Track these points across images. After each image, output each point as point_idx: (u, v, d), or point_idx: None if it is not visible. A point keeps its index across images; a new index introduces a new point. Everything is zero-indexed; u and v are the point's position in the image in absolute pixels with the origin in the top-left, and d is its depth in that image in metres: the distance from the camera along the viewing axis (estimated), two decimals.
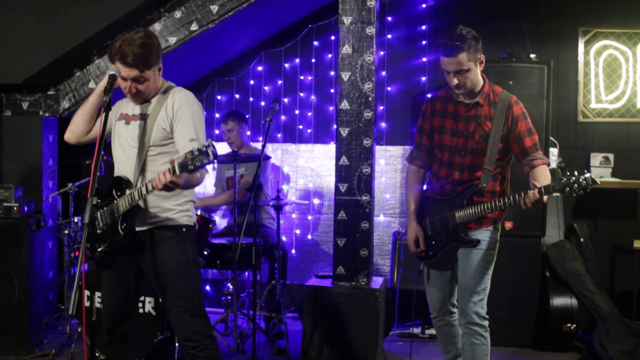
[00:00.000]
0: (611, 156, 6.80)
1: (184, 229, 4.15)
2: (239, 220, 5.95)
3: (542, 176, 4.30)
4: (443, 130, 4.56)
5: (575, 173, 4.06)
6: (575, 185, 4.04)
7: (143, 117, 4.09)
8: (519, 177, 4.85)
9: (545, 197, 4.12)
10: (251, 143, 6.98)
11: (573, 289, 6.15)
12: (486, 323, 4.45)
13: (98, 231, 4.11)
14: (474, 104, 4.46)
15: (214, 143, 3.64)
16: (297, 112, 7.40)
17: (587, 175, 4.04)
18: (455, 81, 4.34)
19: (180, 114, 4.03)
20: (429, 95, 6.96)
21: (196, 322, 4.11)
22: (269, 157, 6.63)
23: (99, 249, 4.10)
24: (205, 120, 4.26)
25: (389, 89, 7.22)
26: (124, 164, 4.11)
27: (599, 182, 4.10)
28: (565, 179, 4.07)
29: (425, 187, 4.78)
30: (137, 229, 4.07)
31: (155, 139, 4.04)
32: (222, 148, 6.87)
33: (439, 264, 4.66)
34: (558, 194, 4.14)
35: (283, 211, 6.43)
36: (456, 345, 4.79)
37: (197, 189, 7.32)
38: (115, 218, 4.01)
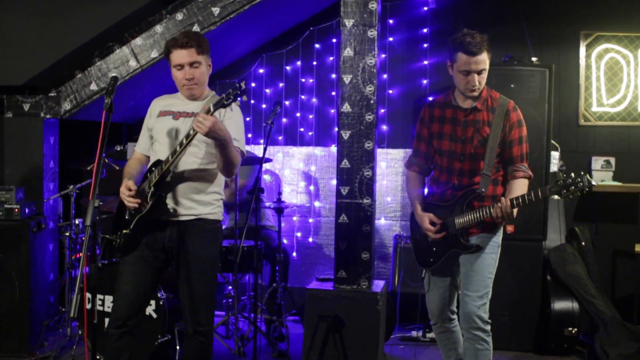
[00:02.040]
0: (612, 160, 6.80)
1: (218, 224, 4.42)
2: (240, 222, 5.95)
3: (519, 189, 4.33)
4: (442, 136, 4.56)
5: (572, 175, 4.05)
6: (572, 187, 4.04)
7: (192, 114, 4.28)
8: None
9: (514, 211, 4.20)
10: (252, 146, 6.96)
11: (574, 293, 6.15)
12: (488, 327, 4.44)
13: (126, 217, 4.27)
14: (472, 109, 4.45)
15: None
16: (298, 114, 7.40)
17: (584, 177, 4.03)
18: (476, 82, 4.34)
19: (229, 116, 4.28)
20: (430, 98, 6.98)
21: (209, 311, 4.40)
22: (270, 160, 6.63)
23: (124, 231, 4.24)
24: None
25: (390, 91, 7.22)
26: (164, 154, 4.21)
27: (595, 184, 4.10)
28: (562, 181, 4.07)
29: (426, 192, 4.78)
30: (177, 218, 4.25)
31: (200, 136, 4.13)
32: None
33: (440, 270, 4.65)
34: (559, 198, 4.14)
35: (284, 214, 6.42)
36: (456, 350, 4.78)
37: None
38: (147, 193, 4.16)
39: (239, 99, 3.89)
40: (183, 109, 4.34)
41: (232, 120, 4.28)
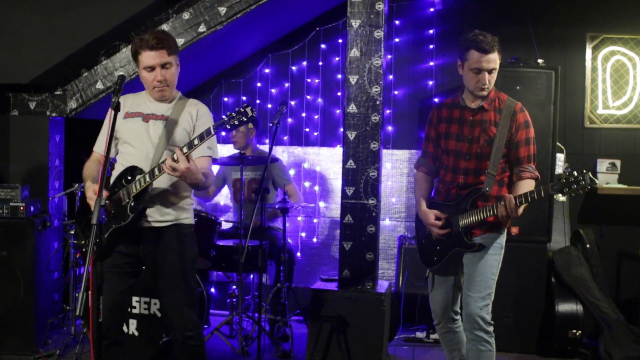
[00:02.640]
0: (618, 162, 6.79)
1: (191, 228, 4.40)
2: (245, 222, 5.95)
3: (524, 188, 4.33)
4: (449, 136, 4.59)
5: (575, 173, 4.05)
6: (574, 185, 4.04)
7: (162, 117, 4.27)
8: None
9: (520, 209, 4.19)
10: (258, 146, 6.95)
11: (579, 295, 6.14)
12: (491, 329, 4.45)
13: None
14: (479, 109, 4.49)
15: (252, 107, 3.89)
16: (303, 114, 7.39)
17: (586, 175, 4.03)
18: (487, 80, 4.39)
19: (203, 124, 4.27)
20: (435, 100, 6.99)
21: (194, 313, 4.36)
22: (277, 159, 6.63)
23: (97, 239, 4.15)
24: None
25: (396, 92, 7.22)
26: (135, 158, 4.20)
27: (597, 181, 4.10)
28: (564, 180, 4.07)
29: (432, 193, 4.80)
30: (157, 222, 4.22)
31: (175, 140, 4.20)
32: (229, 150, 6.87)
33: (444, 270, 4.66)
34: (564, 198, 4.14)
35: (289, 214, 6.41)
36: (460, 351, 4.78)
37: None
38: (126, 204, 4.12)
39: (243, 126, 3.91)
40: (152, 110, 4.31)
41: (205, 125, 4.22)
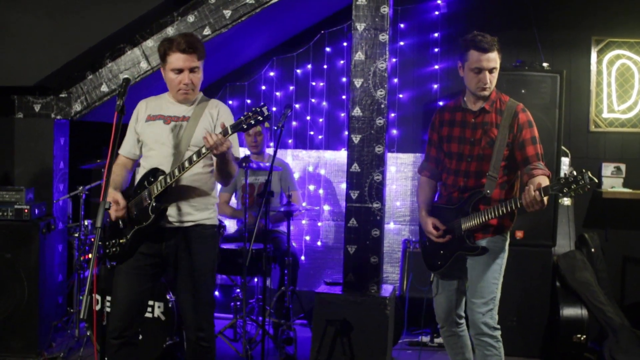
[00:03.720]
0: (623, 166, 6.77)
1: (215, 228, 4.44)
2: (250, 225, 5.95)
3: (543, 183, 4.25)
4: (451, 139, 4.58)
5: (574, 173, 4.01)
6: (574, 185, 3.99)
7: (183, 118, 4.31)
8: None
9: (545, 200, 4.10)
10: (266, 150, 6.95)
11: (583, 300, 6.13)
12: (497, 333, 4.42)
13: (120, 226, 4.26)
14: (480, 111, 4.47)
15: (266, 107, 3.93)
16: (308, 118, 7.39)
17: (585, 174, 3.98)
18: (487, 80, 4.37)
19: (222, 117, 4.34)
20: (440, 103, 6.98)
21: (211, 313, 4.44)
22: (285, 163, 6.64)
23: (120, 241, 4.23)
24: None
25: (400, 96, 7.21)
26: (158, 160, 4.25)
27: (596, 181, 4.06)
28: (563, 180, 4.03)
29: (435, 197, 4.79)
30: (175, 225, 4.26)
31: (197, 140, 4.20)
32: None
33: (448, 274, 4.65)
34: (569, 202, 4.12)
35: (293, 217, 6.40)
36: (464, 355, 4.77)
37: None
38: (147, 205, 4.16)
39: (261, 125, 3.94)
40: (174, 112, 4.34)
41: (226, 122, 4.26)
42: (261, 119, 3.89)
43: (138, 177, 4.34)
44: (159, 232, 4.24)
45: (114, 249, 4.28)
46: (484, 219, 4.35)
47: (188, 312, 4.34)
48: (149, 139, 4.32)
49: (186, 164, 4.05)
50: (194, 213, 4.30)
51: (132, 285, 4.26)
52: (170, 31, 6.02)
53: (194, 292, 4.28)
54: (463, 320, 4.75)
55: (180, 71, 4.22)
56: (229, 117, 4.40)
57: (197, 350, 4.33)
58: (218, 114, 4.35)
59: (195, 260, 4.27)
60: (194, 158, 4.03)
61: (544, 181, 4.26)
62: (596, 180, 4.03)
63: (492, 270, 4.43)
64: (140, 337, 5.52)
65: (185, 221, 4.27)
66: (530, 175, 4.33)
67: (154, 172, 4.20)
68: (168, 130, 4.27)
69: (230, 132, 3.93)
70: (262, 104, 3.93)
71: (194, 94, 4.34)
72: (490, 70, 4.37)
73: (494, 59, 4.36)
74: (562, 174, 6.36)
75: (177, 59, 4.20)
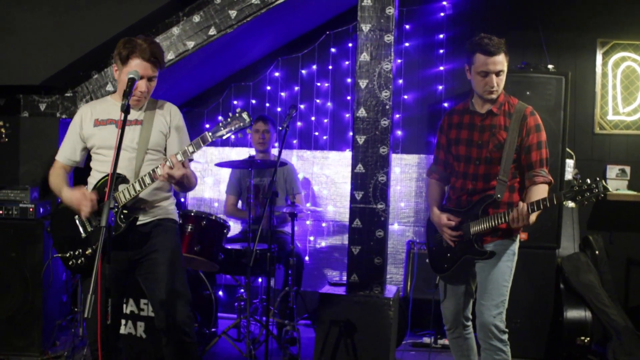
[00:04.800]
0: (628, 169, 6.76)
1: (174, 223, 4.44)
2: (254, 226, 5.95)
3: (538, 194, 4.28)
4: (459, 142, 4.56)
5: (588, 181, 4.01)
6: (587, 193, 4.00)
7: (136, 122, 4.25)
8: None
9: (533, 217, 4.16)
10: (271, 150, 6.96)
11: (587, 302, 6.12)
12: (505, 337, 4.40)
13: (82, 236, 4.19)
14: (488, 113, 4.45)
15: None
16: (313, 118, 7.40)
17: (599, 183, 3.98)
18: (494, 83, 4.35)
19: (177, 124, 4.33)
20: (445, 105, 6.98)
21: (189, 309, 4.31)
22: (285, 164, 6.63)
23: (87, 252, 4.14)
24: None
25: (405, 97, 7.21)
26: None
27: (610, 190, 4.06)
28: (577, 187, 4.03)
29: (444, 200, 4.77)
30: (140, 221, 4.22)
31: (154, 143, 4.24)
32: (239, 153, 6.87)
33: (455, 277, 4.63)
34: (573, 205, 4.11)
35: (297, 218, 6.40)
36: (469, 357, 4.76)
37: (213, 195, 7.35)
38: (114, 213, 4.07)
39: (240, 132, 3.90)
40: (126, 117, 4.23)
41: (182, 128, 4.33)
42: (242, 125, 3.86)
43: (92, 180, 4.28)
44: (122, 236, 4.16)
45: (78, 261, 4.18)
46: (493, 224, 4.33)
47: (161, 309, 4.24)
48: (102, 143, 4.24)
49: (147, 180, 4.05)
50: (155, 211, 4.29)
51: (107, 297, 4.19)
52: (175, 31, 6.03)
53: (171, 288, 4.21)
54: (470, 323, 4.73)
55: (140, 77, 4.11)
56: (181, 117, 4.39)
57: (178, 348, 4.25)
58: (171, 115, 4.34)
59: (160, 253, 4.24)
60: (147, 181, 4.04)
61: (543, 192, 4.30)
62: (610, 190, 4.03)
63: (502, 273, 4.41)
64: (145, 336, 5.54)
65: (147, 218, 4.26)
66: (532, 182, 4.36)
67: (114, 181, 4.06)
68: (124, 134, 4.12)
69: (209, 138, 3.92)
70: (238, 109, 3.88)
71: (145, 101, 4.28)
72: (497, 73, 4.35)
73: (500, 61, 4.33)
74: (568, 177, 6.36)
75: (138, 65, 4.11)
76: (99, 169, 4.27)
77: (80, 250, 4.18)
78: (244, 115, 3.86)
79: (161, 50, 4.25)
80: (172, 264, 4.27)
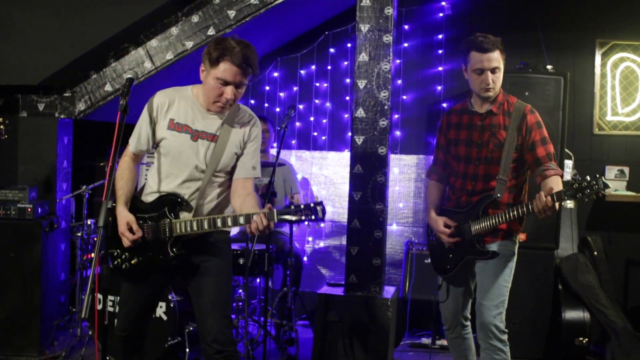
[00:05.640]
0: (626, 169, 6.76)
1: (229, 236, 4.16)
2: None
3: (555, 186, 4.20)
4: (458, 142, 4.55)
5: (587, 178, 3.98)
6: (588, 190, 3.96)
7: (212, 137, 3.95)
8: (537, 189, 4.81)
9: (557, 205, 4.06)
10: (270, 151, 6.95)
11: (586, 303, 6.11)
12: (505, 337, 4.40)
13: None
14: (487, 113, 4.44)
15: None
16: (312, 118, 7.39)
17: (599, 179, 3.95)
18: (490, 80, 4.33)
19: (253, 140, 4.04)
20: (444, 105, 6.98)
21: (229, 325, 4.06)
22: (283, 164, 6.63)
23: (132, 261, 3.95)
24: None
25: (404, 97, 7.21)
26: (179, 180, 3.95)
27: (610, 186, 4.03)
28: (577, 185, 4.00)
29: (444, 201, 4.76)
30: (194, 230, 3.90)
31: (224, 165, 3.97)
32: None
33: (456, 278, 4.63)
34: (572, 204, 4.08)
35: None
36: (467, 357, 4.76)
37: None
38: (165, 238, 3.90)
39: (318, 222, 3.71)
40: (203, 127, 3.94)
41: (254, 148, 4.03)
42: (313, 218, 3.57)
43: (150, 183, 4.05)
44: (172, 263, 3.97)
45: (123, 265, 3.98)
46: (493, 223, 4.32)
47: (203, 321, 3.97)
48: (171, 150, 3.94)
49: (219, 224, 3.78)
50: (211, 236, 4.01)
51: (142, 292, 4.08)
52: (174, 31, 6.02)
53: (214, 301, 3.96)
54: (469, 323, 4.73)
55: (226, 83, 3.80)
56: (259, 139, 4.07)
57: None
58: (250, 135, 4.01)
59: (210, 266, 3.99)
60: (229, 223, 3.76)
61: (557, 184, 4.22)
62: (610, 186, 4.00)
63: (502, 273, 4.41)
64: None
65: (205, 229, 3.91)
66: (543, 176, 4.29)
67: (174, 201, 3.91)
68: (195, 149, 3.92)
69: (276, 219, 3.61)
70: (319, 201, 3.59)
71: (230, 109, 3.96)
72: (493, 70, 4.33)
73: (495, 58, 4.31)
74: (567, 178, 6.35)
75: (228, 71, 3.77)
76: (161, 172, 4.00)
77: (127, 255, 3.96)
78: (318, 208, 3.57)
79: (255, 55, 3.85)
80: (222, 278, 4.02)
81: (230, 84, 3.80)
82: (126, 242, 3.86)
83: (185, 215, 3.91)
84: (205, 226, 3.81)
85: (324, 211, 3.59)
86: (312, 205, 3.57)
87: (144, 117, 3.98)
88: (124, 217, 3.87)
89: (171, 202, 3.92)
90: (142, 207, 4.00)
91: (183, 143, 3.92)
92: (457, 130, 4.57)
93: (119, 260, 4.00)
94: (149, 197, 4.02)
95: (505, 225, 4.37)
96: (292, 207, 3.61)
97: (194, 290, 4.03)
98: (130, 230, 3.85)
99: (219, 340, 3.93)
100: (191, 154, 3.92)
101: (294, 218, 3.58)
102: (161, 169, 4.01)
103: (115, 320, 4.26)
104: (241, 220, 3.72)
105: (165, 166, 3.99)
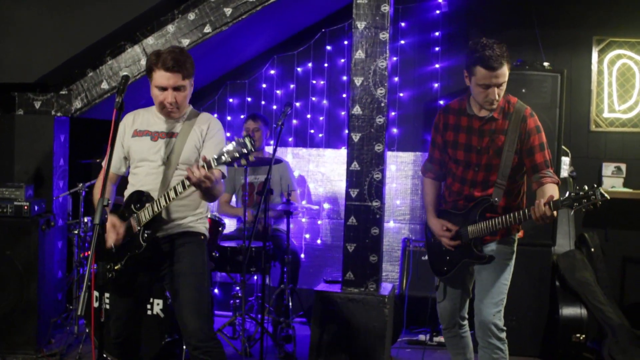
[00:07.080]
0: (623, 166, 6.76)
1: (202, 237, 4.27)
2: (249, 224, 5.95)
3: (553, 194, 4.14)
4: (457, 146, 4.47)
5: (585, 187, 3.94)
6: (584, 200, 3.93)
7: (171, 135, 4.16)
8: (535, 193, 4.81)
9: (555, 213, 4.03)
10: (265, 148, 6.94)
11: (583, 299, 6.12)
12: (504, 335, 4.40)
13: (113, 250, 4.04)
14: (488, 119, 4.35)
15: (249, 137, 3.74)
16: (308, 116, 7.39)
17: (597, 190, 3.91)
18: (496, 95, 4.20)
19: (211, 135, 4.19)
20: (441, 102, 6.97)
21: (207, 321, 4.19)
22: (280, 161, 6.62)
23: (115, 267, 4.04)
24: None
25: (401, 94, 7.21)
26: (146, 179, 4.13)
27: (608, 197, 3.99)
28: (574, 194, 3.96)
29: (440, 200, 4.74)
30: (159, 235, 4.11)
31: (185, 158, 4.12)
32: None
33: (453, 279, 4.61)
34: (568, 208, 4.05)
35: (292, 216, 6.39)
36: (464, 355, 4.76)
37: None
38: (137, 232, 4.04)
39: (248, 155, 3.78)
40: (161, 128, 4.18)
41: (215, 139, 4.19)
42: (244, 151, 3.69)
43: (126, 193, 4.21)
44: (154, 255, 4.11)
45: (109, 274, 4.06)
46: (491, 228, 4.30)
47: (179, 321, 4.14)
48: (136, 156, 4.17)
49: (172, 195, 3.92)
50: (180, 225, 4.16)
51: (127, 297, 4.19)
52: (170, 29, 6.02)
53: (183, 301, 4.10)
54: (466, 322, 4.73)
55: (164, 89, 4.04)
56: (219, 134, 4.23)
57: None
58: (208, 129, 4.19)
59: (177, 267, 4.12)
60: (179, 189, 3.89)
61: (554, 191, 4.18)
62: (608, 198, 3.97)
63: (502, 272, 4.40)
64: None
65: (169, 232, 4.13)
66: (539, 183, 4.26)
67: (139, 196, 4.08)
68: (155, 148, 4.13)
69: (213, 164, 3.74)
70: (244, 134, 3.82)
71: (180, 111, 4.16)
72: (499, 85, 4.20)
73: (503, 74, 4.17)
74: (564, 175, 6.36)
75: (161, 77, 4.02)
76: (132, 182, 4.20)
77: (112, 264, 4.05)
78: (247, 141, 3.69)
79: (185, 55, 4.08)
80: (189, 279, 4.13)
81: (167, 89, 4.04)
82: (109, 242, 4.00)
83: (147, 205, 4.06)
84: (163, 202, 3.96)
85: (252, 142, 3.72)
86: (241, 140, 3.71)
87: (117, 138, 4.08)
88: (109, 220, 4.02)
89: (135, 198, 4.11)
90: (116, 213, 4.14)
91: (144, 144, 4.16)
92: (456, 133, 4.48)
93: (105, 271, 4.05)
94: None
95: (504, 230, 4.37)
96: (223, 150, 3.74)
97: (171, 291, 4.20)
98: (112, 229, 4.01)
99: (196, 336, 4.07)
100: (151, 151, 4.14)
101: (228, 158, 3.72)
102: (133, 178, 4.22)
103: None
104: (187, 181, 3.85)
105: (135, 172, 4.21)
